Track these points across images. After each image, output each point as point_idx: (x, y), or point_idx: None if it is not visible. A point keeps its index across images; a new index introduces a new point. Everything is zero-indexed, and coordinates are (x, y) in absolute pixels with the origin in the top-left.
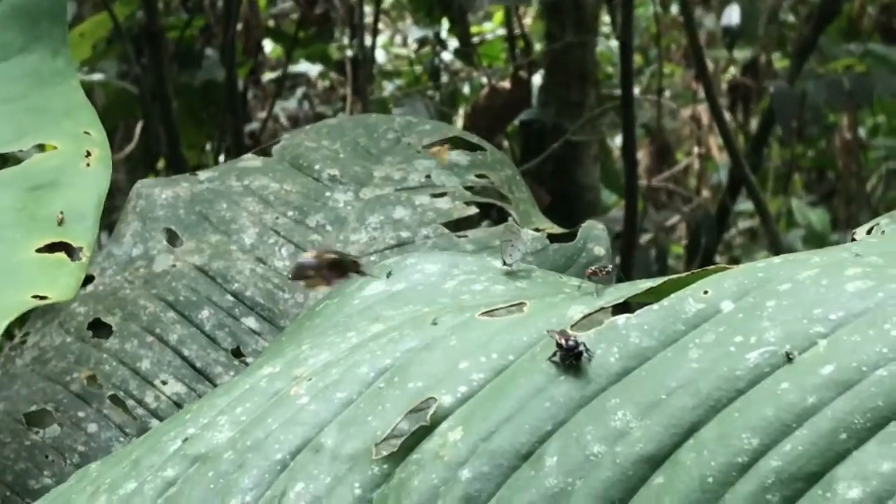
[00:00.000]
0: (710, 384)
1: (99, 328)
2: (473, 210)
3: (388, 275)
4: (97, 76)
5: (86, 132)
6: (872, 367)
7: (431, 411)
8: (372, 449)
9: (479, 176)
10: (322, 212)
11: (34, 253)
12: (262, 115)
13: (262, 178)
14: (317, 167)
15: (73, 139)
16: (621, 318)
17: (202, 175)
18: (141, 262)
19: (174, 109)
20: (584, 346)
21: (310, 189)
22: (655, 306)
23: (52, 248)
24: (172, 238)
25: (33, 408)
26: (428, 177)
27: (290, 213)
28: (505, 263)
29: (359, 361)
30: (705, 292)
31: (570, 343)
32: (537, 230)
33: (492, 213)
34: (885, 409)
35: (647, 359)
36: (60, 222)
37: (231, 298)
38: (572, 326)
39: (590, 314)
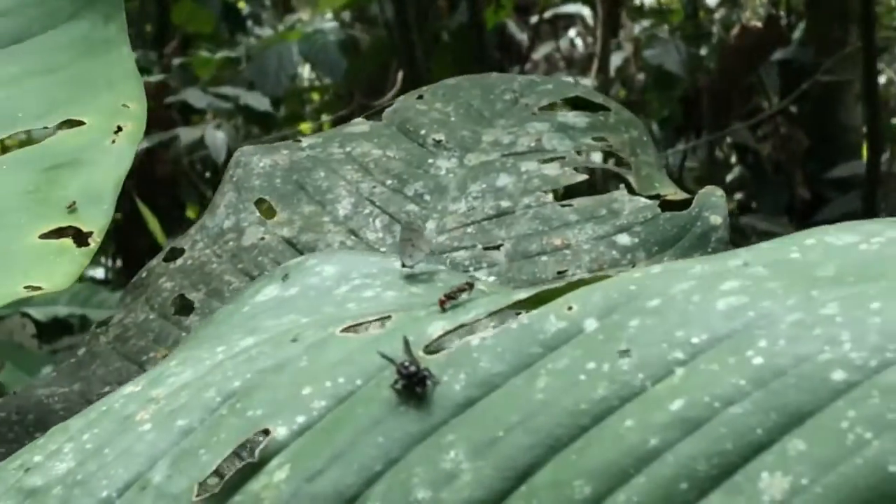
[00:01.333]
0: (551, 420)
1: (183, 304)
2: (583, 177)
3: (285, 277)
4: (329, 24)
5: (124, 105)
6: (726, 402)
7: (262, 445)
8: (195, 488)
9: (596, 139)
10: (422, 180)
11: (37, 239)
12: (537, 55)
13: (366, 143)
14: (423, 132)
15: (107, 113)
16: (476, 339)
17: (305, 141)
18: (231, 234)
19: (419, 57)
20: (427, 372)
21: (413, 155)
22: (514, 324)
23: (61, 232)
24: (266, 209)
25: (107, 389)
26: (538, 141)
27: (388, 182)
28: (404, 265)
29: (209, 383)
30: (570, 308)
31: (410, 369)
32: (654, 197)
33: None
34: (734, 454)
35: (496, 387)
36: (72, 205)
37: None
38: (427, 346)
39: (451, 331)
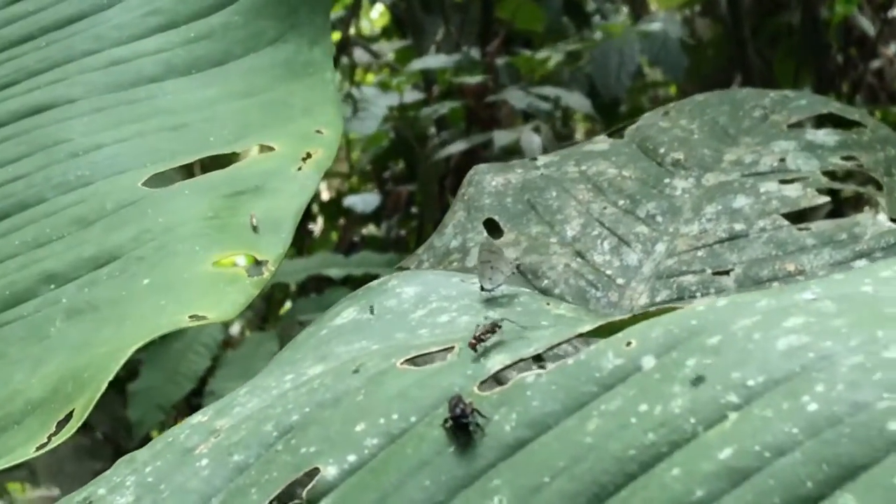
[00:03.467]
0: (597, 465)
1: None
2: (824, 199)
3: (371, 309)
4: (670, 20)
5: (318, 131)
6: (777, 452)
7: (311, 485)
8: None
9: (846, 158)
10: (656, 200)
11: (210, 267)
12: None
13: (603, 162)
14: (662, 150)
15: (298, 139)
16: (531, 375)
17: (541, 160)
18: (456, 255)
19: (750, 54)
20: (478, 412)
21: (649, 175)
22: (571, 361)
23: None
24: (493, 229)
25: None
26: (782, 160)
27: (620, 202)
28: (483, 289)
29: (269, 416)
30: (628, 343)
31: (459, 409)
32: None
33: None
34: None
35: (547, 428)
36: (251, 232)
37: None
38: (482, 383)
39: (510, 365)
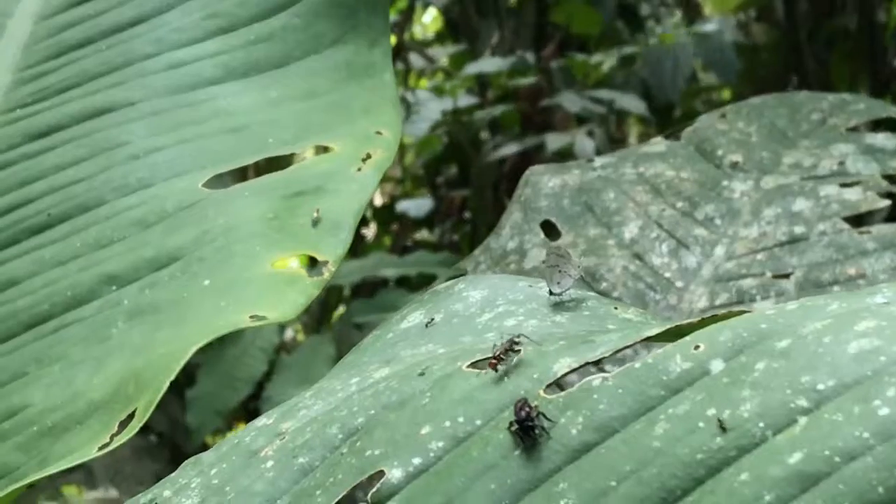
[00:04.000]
0: (665, 470)
1: None
2: (884, 202)
3: (431, 303)
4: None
5: (378, 132)
6: (847, 457)
7: (376, 488)
8: None
9: None
10: (714, 202)
11: (270, 267)
12: None
13: (660, 164)
14: (720, 152)
15: (358, 140)
16: (597, 378)
17: (598, 161)
18: (514, 256)
19: (807, 57)
20: (544, 416)
21: (707, 177)
22: (638, 364)
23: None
24: (551, 231)
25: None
26: (842, 163)
27: (678, 205)
28: (552, 293)
29: (335, 419)
30: (696, 347)
31: (524, 413)
32: None
33: None
34: None
35: (614, 431)
36: (311, 232)
37: None
38: (548, 386)
39: (576, 369)
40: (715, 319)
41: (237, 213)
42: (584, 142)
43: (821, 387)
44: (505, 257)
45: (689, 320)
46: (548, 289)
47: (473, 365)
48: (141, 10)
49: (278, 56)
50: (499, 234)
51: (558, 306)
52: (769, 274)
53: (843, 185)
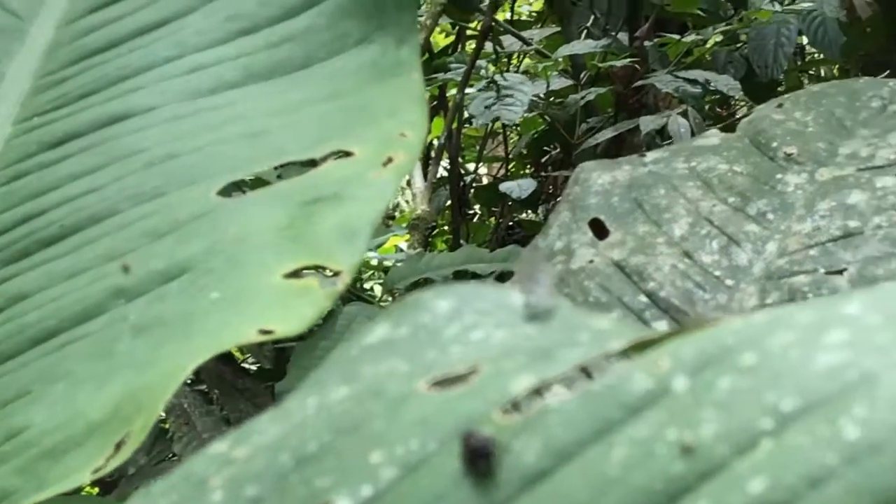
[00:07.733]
0: (622, 500)
1: None
2: None
3: (394, 314)
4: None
5: (402, 134)
6: (810, 484)
7: None
8: None
9: None
10: (767, 197)
11: (280, 278)
12: None
13: (713, 158)
14: (774, 144)
15: (380, 143)
16: (555, 399)
17: (649, 156)
18: (561, 256)
19: None
20: (493, 444)
21: (760, 170)
22: (597, 383)
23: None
24: (599, 229)
25: None
26: None
27: (730, 200)
28: (523, 302)
29: (286, 445)
30: (660, 363)
31: (474, 441)
32: None
33: None
34: None
35: (570, 457)
36: (325, 241)
37: (644, 299)
38: (506, 406)
39: (536, 388)
40: (681, 332)
41: (250, 221)
42: (677, 122)
43: (786, 406)
44: (552, 257)
45: (650, 335)
46: (519, 297)
47: (432, 384)
48: (163, 13)
49: (301, 57)
50: (546, 234)
51: (529, 316)
52: (822, 270)
53: None
